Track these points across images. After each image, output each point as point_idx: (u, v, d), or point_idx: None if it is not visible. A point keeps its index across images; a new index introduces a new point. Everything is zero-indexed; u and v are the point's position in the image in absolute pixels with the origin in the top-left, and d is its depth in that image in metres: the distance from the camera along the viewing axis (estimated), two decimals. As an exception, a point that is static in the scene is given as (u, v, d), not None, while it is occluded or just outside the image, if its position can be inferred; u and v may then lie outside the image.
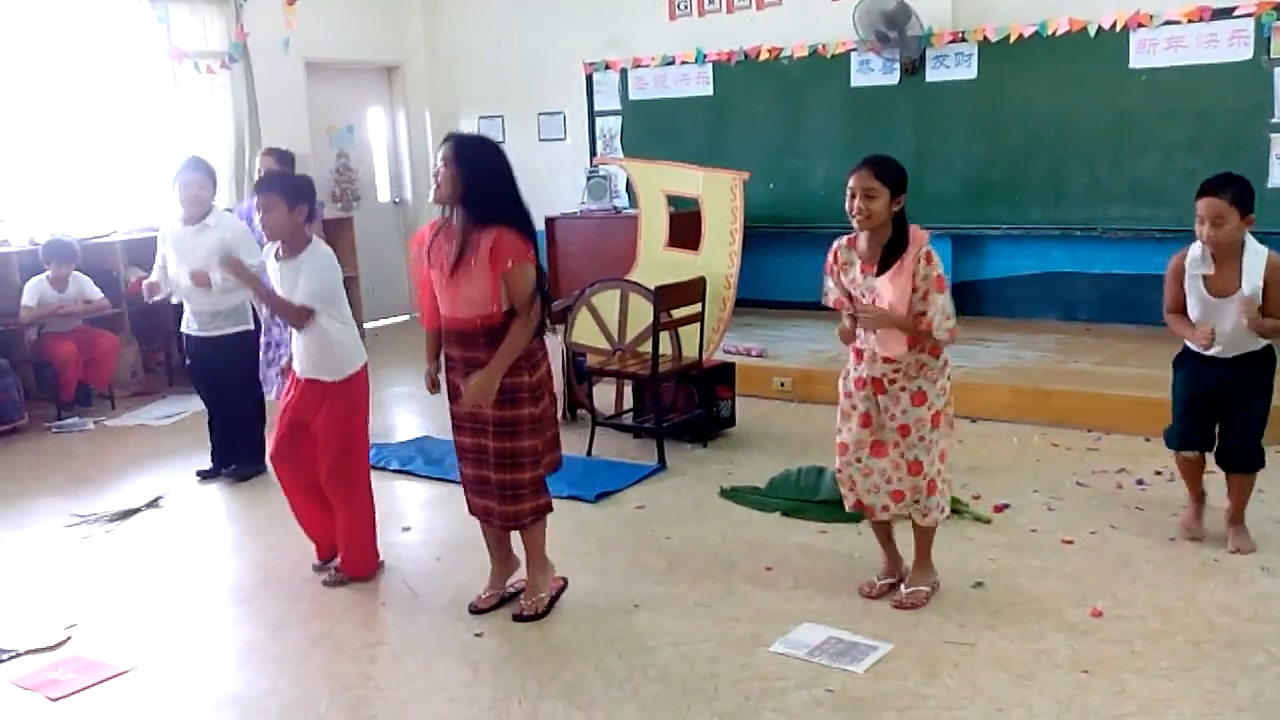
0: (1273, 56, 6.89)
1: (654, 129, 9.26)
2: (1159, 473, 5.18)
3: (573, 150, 9.93)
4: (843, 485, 3.97)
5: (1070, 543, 4.41)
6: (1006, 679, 3.36)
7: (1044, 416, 6.13)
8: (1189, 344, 4.28)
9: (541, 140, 10.17)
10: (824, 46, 8.42)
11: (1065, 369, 6.70)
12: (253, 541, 4.88)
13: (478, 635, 3.82)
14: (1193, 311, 4.19)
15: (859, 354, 3.85)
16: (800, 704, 3.27)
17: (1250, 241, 4.06)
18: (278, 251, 4.26)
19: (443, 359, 3.90)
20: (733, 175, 6.48)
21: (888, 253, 3.66)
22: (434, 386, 3.98)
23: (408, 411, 7.03)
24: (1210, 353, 4.17)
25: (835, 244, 3.89)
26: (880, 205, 3.62)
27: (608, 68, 9.51)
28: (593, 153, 9.63)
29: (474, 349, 3.70)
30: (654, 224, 6.80)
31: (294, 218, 4.15)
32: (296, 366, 4.27)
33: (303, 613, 4.09)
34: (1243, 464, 4.27)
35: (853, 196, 3.65)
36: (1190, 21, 7.11)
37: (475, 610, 3.98)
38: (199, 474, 5.79)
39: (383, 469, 5.76)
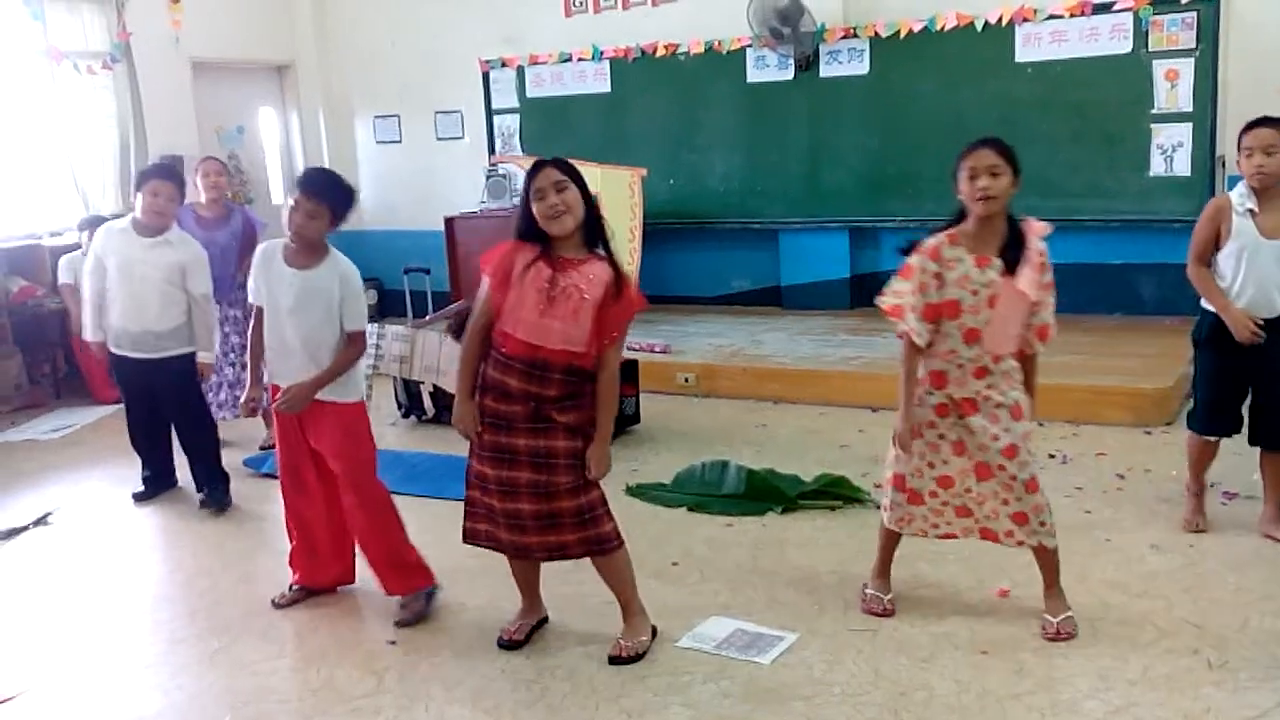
0: (1151, 49, 7.13)
1: (552, 126, 9.21)
2: (1052, 455, 5.33)
3: (471, 149, 9.84)
4: (938, 519, 3.65)
5: (968, 527, 4.49)
6: (908, 663, 3.41)
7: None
8: (1217, 312, 4.10)
9: (439, 139, 10.06)
10: (719, 42, 8.47)
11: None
12: (146, 558, 4.75)
13: (391, 643, 3.75)
14: (1229, 260, 4.03)
15: (939, 377, 3.51)
16: (707, 697, 3.28)
17: None
18: (286, 255, 3.89)
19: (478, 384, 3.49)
20: (631, 172, 6.49)
21: (1011, 245, 3.39)
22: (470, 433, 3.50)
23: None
24: (1255, 313, 4.02)
25: (933, 241, 3.47)
26: (1005, 185, 3.36)
27: (504, 65, 9.44)
28: (491, 151, 9.56)
29: (545, 385, 3.35)
30: (554, 222, 6.76)
31: (331, 226, 3.86)
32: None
33: (199, 628, 3.98)
34: None
35: (973, 177, 3.37)
36: (1072, 16, 7.32)
37: (507, 644, 3.65)
38: (135, 496, 5.45)
39: (268, 475, 5.65)
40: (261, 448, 6.13)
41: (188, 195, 5.63)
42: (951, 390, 3.49)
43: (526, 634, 3.70)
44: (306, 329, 3.87)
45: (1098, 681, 3.25)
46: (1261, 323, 4.03)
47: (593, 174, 6.64)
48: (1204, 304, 4.20)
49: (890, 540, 3.79)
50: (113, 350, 5.18)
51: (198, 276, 5.13)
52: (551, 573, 3.76)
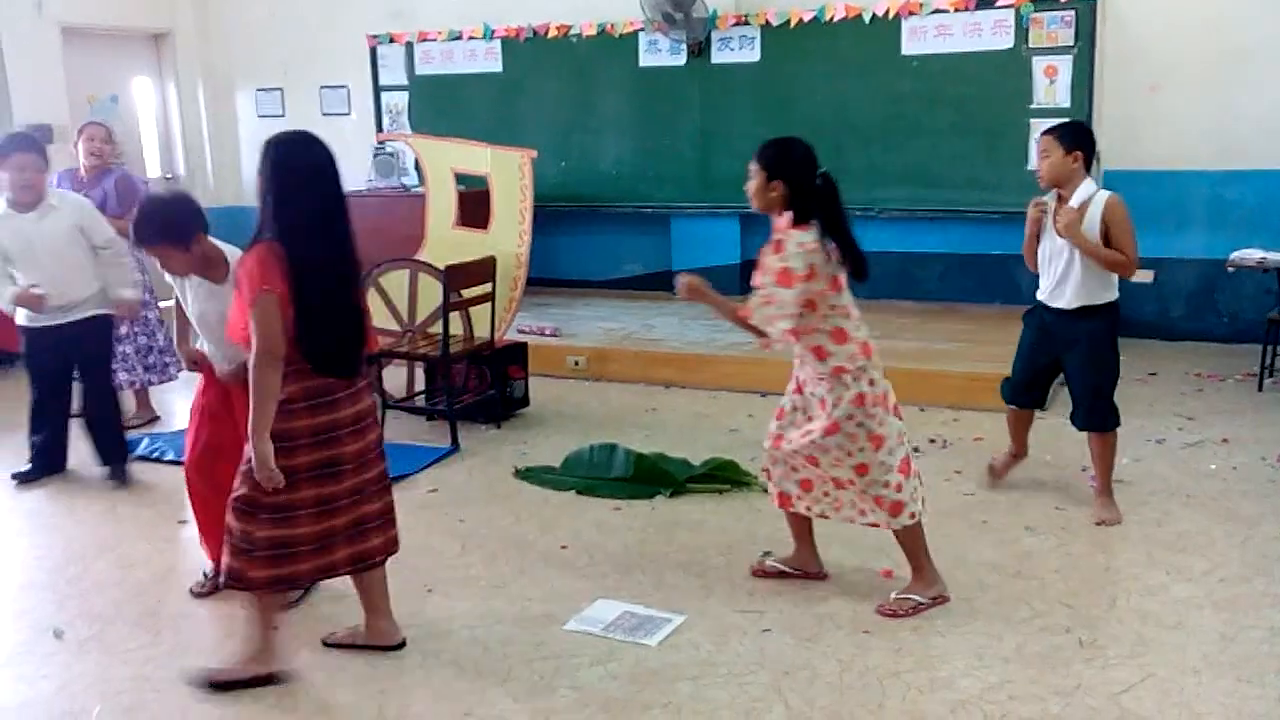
0: (1031, 46, 7.32)
1: (442, 105, 9.07)
2: (932, 440, 5.45)
3: (358, 126, 9.63)
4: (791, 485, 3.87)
5: (852, 510, 4.58)
6: (793, 643, 3.46)
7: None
8: (1038, 297, 4.41)
9: (325, 115, 9.82)
10: (612, 25, 8.44)
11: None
12: (13, 543, 4.54)
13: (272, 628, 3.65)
14: (1043, 251, 4.34)
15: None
16: (594, 679, 3.28)
17: (1090, 183, 4.19)
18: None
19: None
20: (521, 153, 6.41)
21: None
22: None
23: (187, 400, 6.67)
24: (1051, 302, 4.31)
25: None
26: (755, 187, 3.62)
27: (392, 41, 9.26)
28: (379, 129, 9.37)
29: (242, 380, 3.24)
30: (442, 203, 6.67)
31: (195, 253, 3.56)
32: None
33: (69, 614, 3.83)
34: (1097, 423, 4.39)
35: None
36: (956, 11, 7.48)
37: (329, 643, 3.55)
38: (15, 477, 5.18)
39: (157, 460, 5.49)
40: (125, 428, 5.97)
41: (67, 160, 5.39)
42: (795, 367, 3.78)
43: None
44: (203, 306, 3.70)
45: (974, 659, 3.34)
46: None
47: (482, 155, 6.59)
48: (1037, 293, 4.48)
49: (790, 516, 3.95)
50: (19, 324, 5.00)
51: (98, 230, 4.97)
52: (436, 556, 3.68)
